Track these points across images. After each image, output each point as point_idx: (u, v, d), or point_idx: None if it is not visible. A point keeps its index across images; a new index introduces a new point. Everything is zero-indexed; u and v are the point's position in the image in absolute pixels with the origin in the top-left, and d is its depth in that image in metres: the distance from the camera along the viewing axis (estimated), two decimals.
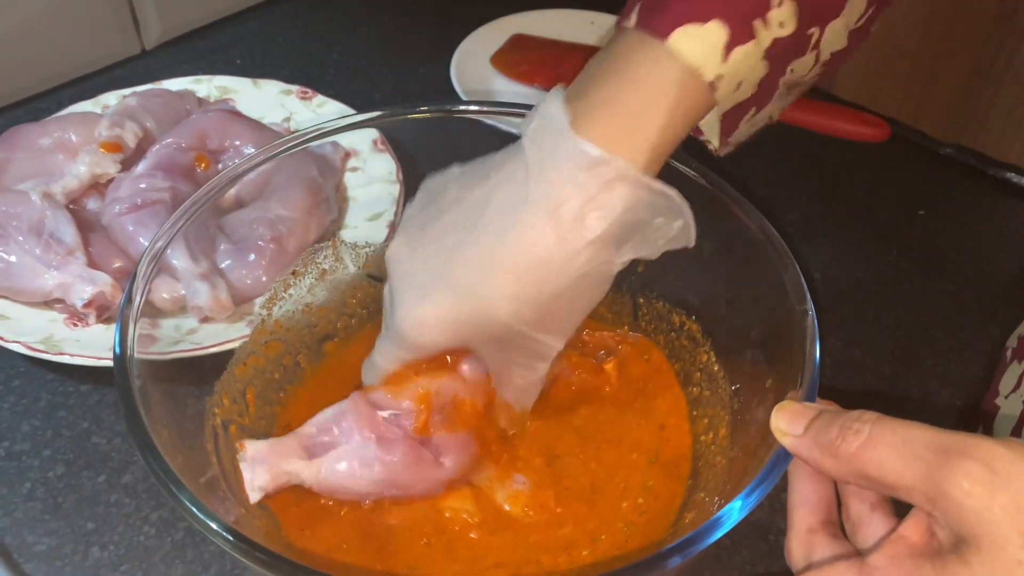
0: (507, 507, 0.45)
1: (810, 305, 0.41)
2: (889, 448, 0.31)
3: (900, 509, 0.34)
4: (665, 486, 0.47)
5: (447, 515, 0.45)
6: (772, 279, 0.44)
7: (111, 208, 0.61)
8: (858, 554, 0.34)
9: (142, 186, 0.62)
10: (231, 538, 0.34)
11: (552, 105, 0.40)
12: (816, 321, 0.41)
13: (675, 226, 0.41)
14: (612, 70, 0.40)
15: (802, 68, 0.42)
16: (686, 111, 0.40)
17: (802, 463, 0.36)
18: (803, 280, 0.42)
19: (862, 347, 0.63)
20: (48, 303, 0.60)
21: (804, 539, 0.36)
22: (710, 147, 0.46)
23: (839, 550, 0.35)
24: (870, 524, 0.35)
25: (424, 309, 0.42)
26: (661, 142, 0.39)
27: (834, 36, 0.42)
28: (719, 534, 0.35)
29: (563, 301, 0.41)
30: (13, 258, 0.59)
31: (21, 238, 0.59)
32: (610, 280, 0.42)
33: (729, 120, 0.43)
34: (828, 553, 0.35)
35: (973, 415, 0.57)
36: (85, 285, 0.58)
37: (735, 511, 0.35)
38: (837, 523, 0.36)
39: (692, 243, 0.42)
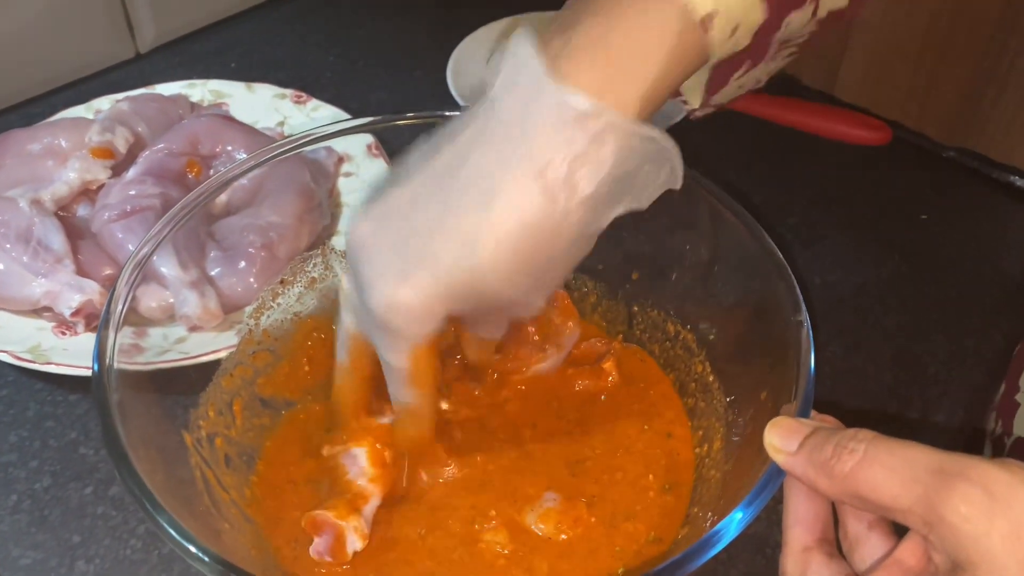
0: (539, 528, 0.45)
1: (805, 316, 0.40)
2: (885, 469, 0.30)
3: (899, 528, 0.33)
4: (668, 500, 0.46)
5: (483, 548, 0.44)
6: (767, 288, 0.43)
7: (100, 215, 0.61)
8: (855, 575, 0.33)
9: (132, 193, 0.62)
10: (206, 559, 0.34)
11: (523, 49, 0.36)
12: (811, 332, 0.40)
13: (662, 172, 0.38)
14: (594, 10, 0.36)
15: (798, 23, 0.39)
16: (679, 57, 0.36)
17: (794, 480, 0.35)
18: (798, 290, 0.41)
19: (862, 354, 0.62)
20: (36, 311, 0.59)
21: (799, 558, 0.35)
22: (685, 108, 0.43)
23: (835, 570, 0.34)
24: (867, 543, 0.34)
25: (406, 293, 0.37)
26: (652, 91, 0.36)
27: None
28: (712, 553, 0.34)
29: (556, 264, 0.38)
30: (0, 266, 0.58)
31: (9, 245, 0.58)
32: (597, 236, 0.39)
33: (719, 75, 0.40)
34: (824, 573, 0.34)
35: (975, 435, 0.56)
36: (73, 293, 0.57)
37: (732, 526, 0.34)
38: (833, 541, 0.35)
39: (679, 185, 0.39)
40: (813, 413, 0.37)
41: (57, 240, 0.59)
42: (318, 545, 0.43)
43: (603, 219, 0.38)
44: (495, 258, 0.36)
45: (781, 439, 0.34)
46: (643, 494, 0.46)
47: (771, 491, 0.36)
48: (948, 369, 0.61)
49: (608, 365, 0.51)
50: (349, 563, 0.43)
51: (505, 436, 0.49)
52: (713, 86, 0.40)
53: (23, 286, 0.58)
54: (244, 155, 0.68)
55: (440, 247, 0.37)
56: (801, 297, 0.41)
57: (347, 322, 0.45)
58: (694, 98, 0.42)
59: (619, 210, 0.38)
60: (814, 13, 0.39)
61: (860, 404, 0.58)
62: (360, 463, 0.46)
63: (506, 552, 0.44)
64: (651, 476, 0.47)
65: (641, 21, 0.35)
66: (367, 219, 0.39)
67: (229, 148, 0.68)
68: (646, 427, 0.50)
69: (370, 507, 0.45)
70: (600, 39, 0.35)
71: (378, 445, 0.47)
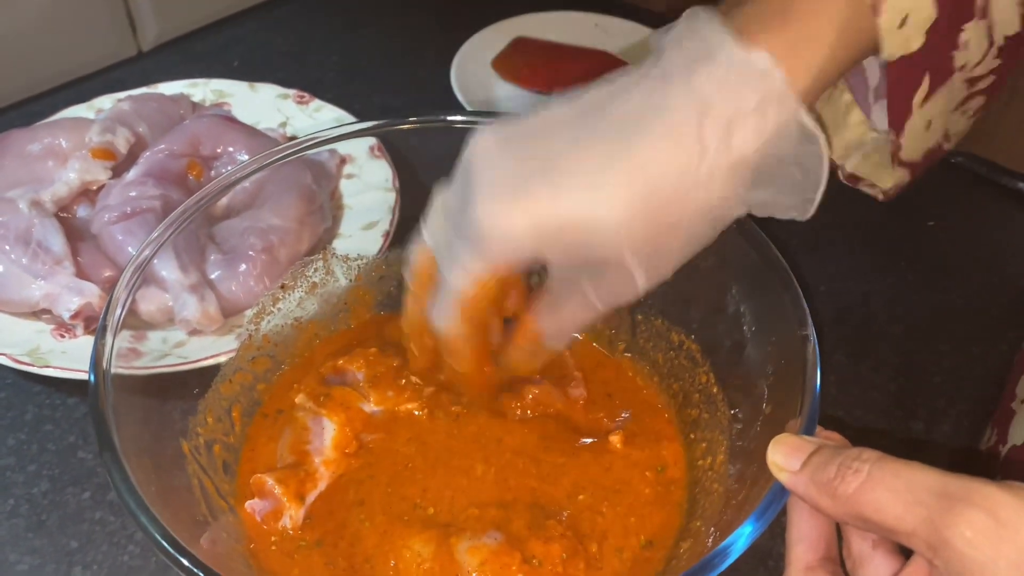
0: (465, 559, 0.42)
1: (811, 331, 0.40)
2: (889, 491, 0.29)
3: (905, 547, 0.32)
4: (658, 517, 0.45)
5: (406, 554, 0.43)
6: (773, 300, 0.42)
7: (100, 216, 0.60)
8: None
9: (132, 194, 0.61)
10: (200, 574, 0.33)
11: (701, 12, 0.35)
12: (817, 347, 0.39)
13: (800, 190, 0.36)
14: None
15: (976, 46, 0.37)
16: (851, 37, 0.35)
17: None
18: (804, 303, 0.41)
19: (867, 362, 0.61)
20: (35, 313, 0.59)
21: None
22: (874, 192, 0.43)
23: None
24: (871, 563, 0.33)
25: (518, 206, 0.34)
26: (825, 68, 0.35)
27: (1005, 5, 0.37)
28: (717, 572, 0.33)
29: (678, 233, 0.35)
30: (0, 268, 0.57)
31: (8, 247, 0.58)
32: (724, 226, 0.37)
33: (897, 93, 0.38)
34: None
35: (977, 456, 0.55)
36: (72, 296, 0.57)
37: (737, 545, 0.34)
38: (837, 560, 0.35)
39: (806, 216, 0.38)
40: (819, 430, 0.36)
41: (57, 242, 0.59)
42: (256, 505, 0.45)
43: (740, 203, 0.36)
44: (622, 189, 0.33)
45: (784, 457, 0.34)
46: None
47: (779, 506, 0.35)
48: (954, 379, 0.60)
49: (615, 439, 0.49)
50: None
51: (486, 450, 0.48)
52: (894, 110, 0.39)
53: (22, 288, 0.58)
54: (246, 156, 0.67)
55: (565, 174, 0.34)
56: (808, 311, 0.40)
57: (425, 238, 0.42)
58: (882, 177, 0.42)
59: (759, 197, 0.36)
60: (990, 40, 0.37)
61: (864, 414, 0.58)
62: (324, 439, 0.47)
63: (424, 567, 0.42)
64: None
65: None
66: (495, 132, 0.36)
67: (231, 149, 0.68)
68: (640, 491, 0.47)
69: (314, 495, 0.46)
70: (776, 11, 0.34)
71: (348, 430, 0.47)
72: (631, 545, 0.44)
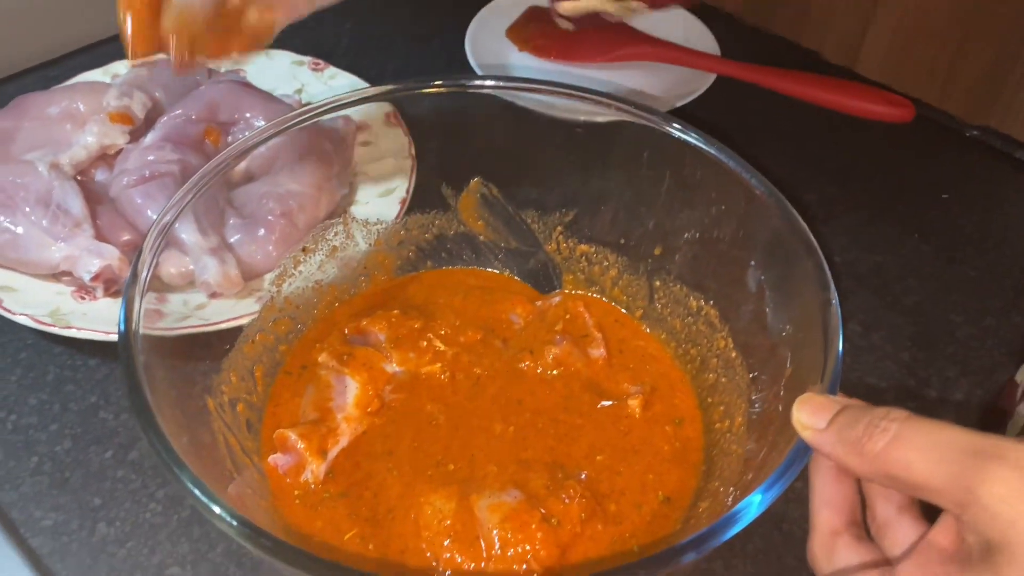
0: (486, 516, 0.42)
1: (834, 295, 0.40)
2: (918, 449, 0.30)
3: (929, 511, 0.33)
4: (675, 474, 0.46)
5: (427, 510, 0.43)
6: (795, 266, 0.43)
7: (119, 180, 0.60)
8: (885, 558, 0.33)
9: (151, 158, 0.61)
10: (235, 523, 0.34)
11: None
12: (840, 311, 0.39)
13: None
14: None
15: None
16: None
17: (824, 461, 0.35)
18: (827, 269, 0.41)
19: (881, 333, 0.61)
20: (55, 276, 0.59)
21: (828, 541, 0.34)
22: None
23: (865, 554, 0.34)
24: (898, 527, 0.34)
25: None
26: None
27: None
28: (736, 529, 0.34)
29: None
30: (20, 229, 0.58)
31: (28, 209, 0.58)
32: None
33: None
34: (853, 557, 0.34)
35: (992, 411, 0.56)
36: (92, 258, 0.57)
37: (753, 507, 0.34)
38: (861, 524, 0.35)
39: None
40: (840, 395, 0.37)
41: (76, 204, 0.59)
42: (278, 460, 0.46)
43: None
44: None
45: (810, 415, 0.34)
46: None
47: (796, 471, 0.35)
48: (967, 349, 0.60)
49: (635, 403, 0.49)
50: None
51: (506, 410, 0.49)
52: None
53: (42, 250, 0.58)
54: (262, 122, 0.67)
55: None
56: (830, 275, 0.41)
57: None
58: None
59: None
60: None
61: (877, 382, 0.58)
62: (347, 397, 0.48)
63: (445, 524, 0.43)
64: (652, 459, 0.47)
65: None
66: None
67: (248, 115, 0.68)
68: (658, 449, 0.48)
69: (336, 450, 0.47)
70: None
71: (370, 389, 0.48)
72: (649, 500, 0.45)
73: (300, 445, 0.45)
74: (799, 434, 0.34)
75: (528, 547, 0.41)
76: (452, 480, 0.45)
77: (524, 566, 0.41)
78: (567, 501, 0.43)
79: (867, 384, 0.58)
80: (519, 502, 0.43)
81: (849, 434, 0.32)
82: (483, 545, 0.42)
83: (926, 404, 0.57)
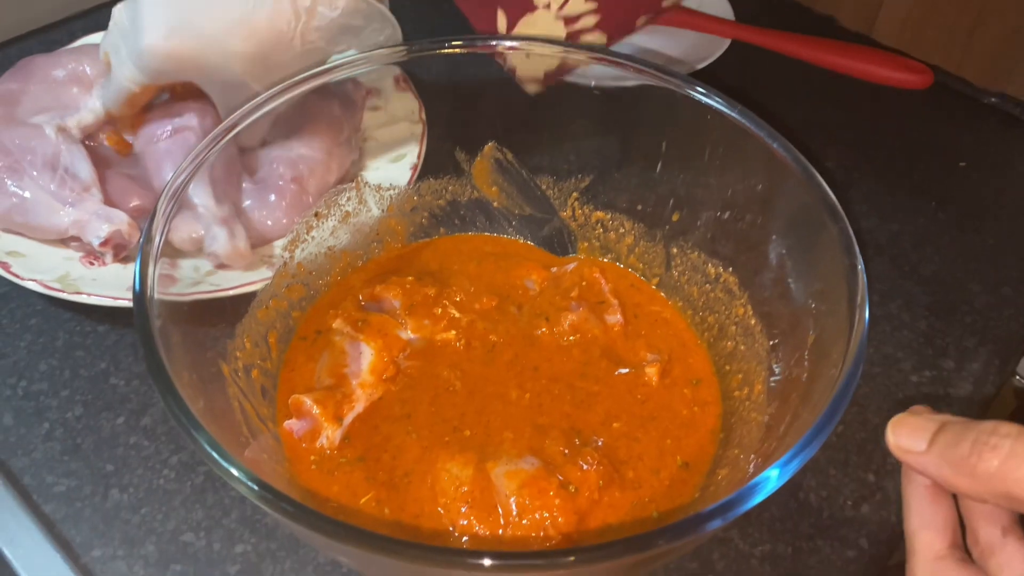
0: (503, 483, 0.42)
1: (859, 260, 0.39)
2: None
3: None
4: (693, 440, 0.46)
5: (443, 477, 0.43)
6: (819, 231, 0.42)
7: (145, 136, 0.60)
8: None
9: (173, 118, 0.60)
10: (254, 486, 0.33)
11: None
12: (866, 277, 0.39)
13: (384, 33, 0.53)
14: None
15: None
16: None
17: (918, 479, 0.34)
18: (853, 235, 0.40)
19: (898, 302, 0.61)
20: (64, 241, 0.58)
21: (931, 567, 0.33)
22: None
23: None
24: (1003, 550, 0.32)
25: (174, 43, 0.49)
26: None
27: None
28: (764, 495, 0.33)
29: (286, 67, 0.52)
30: (27, 194, 0.57)
31: (35, 173, 0.57)
32: (320, 57, 0.52)
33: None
34: None
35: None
36: (101, 223, 0.57)
37: (780, 475, 0.34)
38: (963, 546, 0.34)
39: (399, 39, 0.54)
40: (928, 408, 0.35)
41: (84, 168, 0.58)
42: (294, 425, 0.46)
43: (330, 49, 0.53)
44: (244, 47, 0.50)
45: (908, 439, 0.32)
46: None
47: (820, 442, 0.35)
48: (985, 318, 0.60)
49: (651, 371, 0.49)
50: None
51: (522, 376, 0.49)
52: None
53: (51, 215, 0.57)
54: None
55: (206, 21, 0.49)
56: (855, 241, 0.40)
57: (103, 44, 0.56)
58: None
59: (343, 46, 0.53)
60: None
61: (894, 351, 0.58)
62: (362, 364, 0.48)
63: (462, 491, 0.43)
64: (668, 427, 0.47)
65: None
66: None
67: None
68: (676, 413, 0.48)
69: (351, 416, 0.46)
70: None
71: (385, 355, 0.48)
72: (667, 466, 0.45)
73: (316, 411, 0.45)
74: (899, 460, 0.33)
75: (546, 514, 0.41)
76: (468, 446, 0.44)
77: (542, 533, 0.41)
78: (585, 468, 0.43)
79: (884, 354, 0.57)
80: (536, 469, 0.42)
81: (954, 455, 0.30)
82: (500, 512, 0.41)
83: (943, 375, 0.56)
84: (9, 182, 0.57)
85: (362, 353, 0.48)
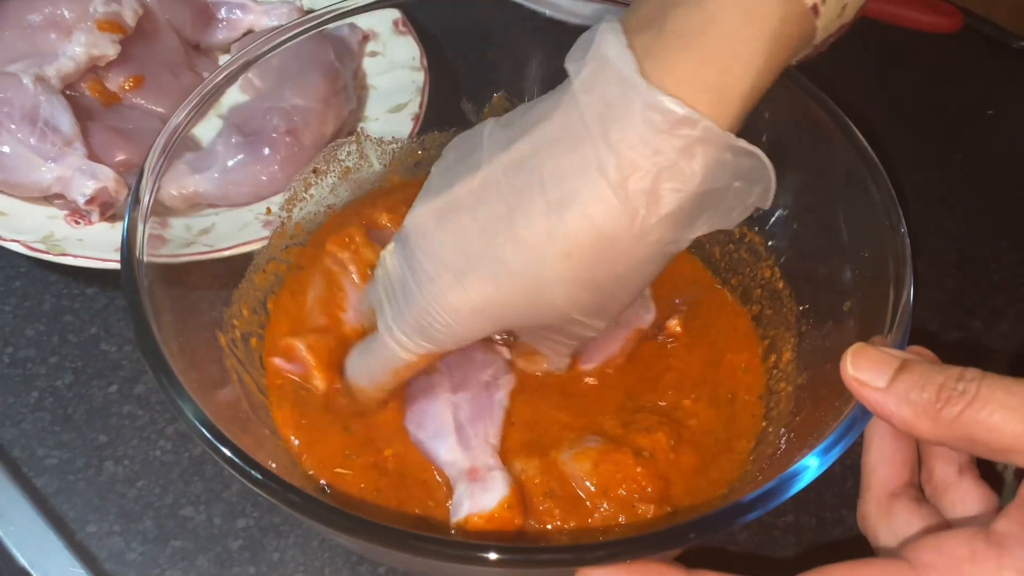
0: (574, 468, 0.39)
1: (902, 222, 0.37)
2: (1004, 408, 0.27)
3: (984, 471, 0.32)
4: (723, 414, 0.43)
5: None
6: (856, 189, 0.39)
7: None
8: (946, 522, 0.31)
9: None
10: (258, 475, 0.31)
11: (610, 44, 0.32)
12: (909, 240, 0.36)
13: (754, 191, 0.34)
14: (684, 0, 0.31)
15: None
16: (781, 50, 0.31)
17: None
18: (895, 196, 0.37)
19: (923, 258, 0.58)
20: (47, 198, 0.55)
21: (884, 504, 0.32)
22: None
23: (926, 517, 0.32)
24: (956, 489, 0.32)
25: (461, 295, 0.35)
26: (753, 91, 0.31)
27: None
28: (795, 490, 0.31)
29: (624, 283, 0.35)
30: (6, 148, 0.54)
31: (13, 126, 0.54)
32: (673, 256, 0.35)
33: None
34: (914, 520, 0.32)
35: None
36: (86, 179, 0.53)
37: (813, 468, 0.32)
38: (918, 485, 0.33)
39: (768, 205, 0.35)
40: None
41: (66, 121, 0.55)
42: (283, 365, 0.44)
43: (683, 239, 0.34)
44: (561, 270, 0.33)
45: (867, 372, 0.30)
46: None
47: (862, 426, 0.32)
48: (1014, 276, 0.58)
49: (673, 323, 0.46)
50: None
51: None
52: None
53: (31, 171, 0.54)
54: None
55: (504, 251, 0.34)
56: (898, 202, 0.37)
57: (369, 297, 0.42)
58: None
59: (702, 229, 0.34)
60: None
61: (920, 311, 0.55)
62: (362, 309, 0.45)
63: (536, 482, 0.39)
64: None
65: (742, 11, 0.30)
66: (430, 205, 0.36)
67: None
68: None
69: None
70: (696, 33, 0.31)
71: None
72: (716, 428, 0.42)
73: (311, 360, 0.43)
74: (853, 392, 0.31)
75: (633, 486, 0.38)
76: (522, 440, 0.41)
77: (636, 508, 0.38)
78: (649, 432, 0.40)
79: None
80: (604, 444, 0.40)
81: (918, 398, 0.29)
82: (582, 496, 0.39)
83: (971, 335, 0.54)
84: None
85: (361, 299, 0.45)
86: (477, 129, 0.37)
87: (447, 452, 0.40)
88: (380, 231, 0.48)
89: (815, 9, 0.31)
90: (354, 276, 0.46)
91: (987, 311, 0.56)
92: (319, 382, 0.43)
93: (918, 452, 0.34)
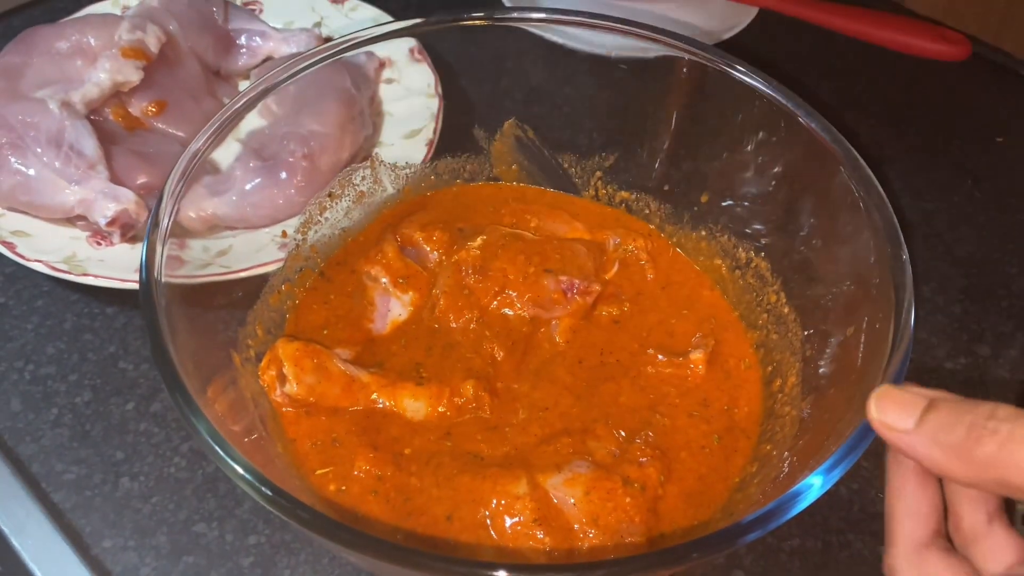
0: (563, 493, 0.39)
1: (904, 250, 0.37)
2: None
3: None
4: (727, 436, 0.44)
5: (499, 505, 0.40)
6: (859, 217, 0.40)
7: None
8: (978, 572, 0.31)
9: None
10: (267, 491, 0.32)
11: None
12: (911, 268, 0.37)
13: None
14: None
15: None
16: None
17: (907, 463, 0.32)
18: (897, 224, 0.38)
19: (931, 284, 0.59)
20: (70, 220, 0.57)
21: (914, 556, 0.31)
22: None
23: (959, 570, 0.31)
24: (989, 538, 0.31)
25: None
26: None
27: None
28: (798, 509, 0.32)
29: None
30: (31, 171, 0.55)
31: (39, 150, 0.56)
32: None
33: None
34: (947, 573, 0.31)
35: None
36: (108, 202, 0.55)
37: (815, 488, 0.32)
38: (945, 533, 0.32)
39: None
40: (912, 384, 0.33)
41: (89, 145, 0.56)
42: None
43: None
44: None
45: (895, 415, 0.30)
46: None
47: (863, 447, 0.32)
48: (1022, 302, 0.58)
49: (697, 358, 0.46)
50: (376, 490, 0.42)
51: (562, 382, 0.46)
52: None
53: (56, 193, 0.55)
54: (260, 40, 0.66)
55: None
56: (900, 232, 0.38)
57: None
58: None
59: None
60: None
61: (928, 336, 0.56)
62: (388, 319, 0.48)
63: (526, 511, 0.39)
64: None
65: None
66: None
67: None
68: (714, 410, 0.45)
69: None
70: None
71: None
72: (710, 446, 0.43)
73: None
74: (881, 436, 0.30)
75: (623, 516, 0.38)
76: (510, 460, 0.42)
77: (624, 539, 0.38)
78: (643, 462, 0.40)
79: (917, 339, 0.55)
80: (593, 471, 0.40)
81: (948, 438, 0.28)
82: (572, 525, 0.39)
83: (979, 361, 0.54)
84: (12, 159, 0.55)
85: (390, 310, 0.48)
86: None
87: None
88: (412, 247, 0.50)
89: None
90: (387, 285, 0.48)
91: (995, 337, 0.56)
92: (292, 386, 0.43)
93: (943, 497, 0.32)
